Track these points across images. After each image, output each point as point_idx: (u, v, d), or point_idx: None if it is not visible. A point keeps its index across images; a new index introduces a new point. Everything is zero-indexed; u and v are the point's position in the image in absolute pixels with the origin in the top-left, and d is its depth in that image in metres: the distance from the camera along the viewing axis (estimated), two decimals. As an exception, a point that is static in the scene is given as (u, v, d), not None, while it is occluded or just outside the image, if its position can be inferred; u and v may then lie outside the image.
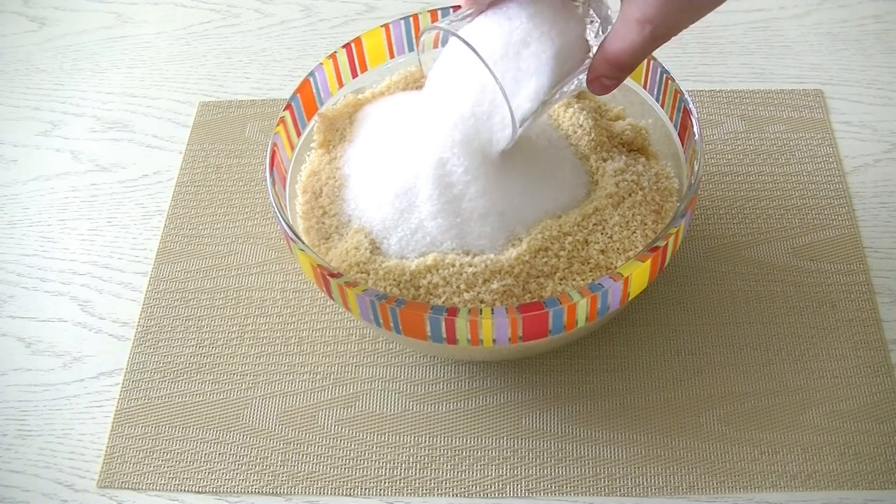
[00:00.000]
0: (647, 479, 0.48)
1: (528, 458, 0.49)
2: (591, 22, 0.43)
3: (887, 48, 0.68)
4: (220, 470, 0.50)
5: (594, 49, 0.43)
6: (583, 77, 0.43)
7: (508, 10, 0.43)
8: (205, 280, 0.58)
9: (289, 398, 0.52)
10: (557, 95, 0.44)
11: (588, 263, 0.47)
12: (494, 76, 0.41)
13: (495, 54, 0.42)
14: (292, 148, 0.52)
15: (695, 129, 0.48)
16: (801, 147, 0.62)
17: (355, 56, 0.54)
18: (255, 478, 0.49)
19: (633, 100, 0.55)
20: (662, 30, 0.37)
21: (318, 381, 0.53)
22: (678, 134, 0.51)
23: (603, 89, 0.41)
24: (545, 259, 0.47)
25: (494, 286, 0.45)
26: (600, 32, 0.43)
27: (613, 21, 0.41)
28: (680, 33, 0.39)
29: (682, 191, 0.51)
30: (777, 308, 0.54)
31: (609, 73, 0.40)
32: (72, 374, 0.55)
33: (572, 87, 0.44)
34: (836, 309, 0.54)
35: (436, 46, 0.47)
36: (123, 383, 0.54)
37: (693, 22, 0.38)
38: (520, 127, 0.43)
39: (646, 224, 0.49)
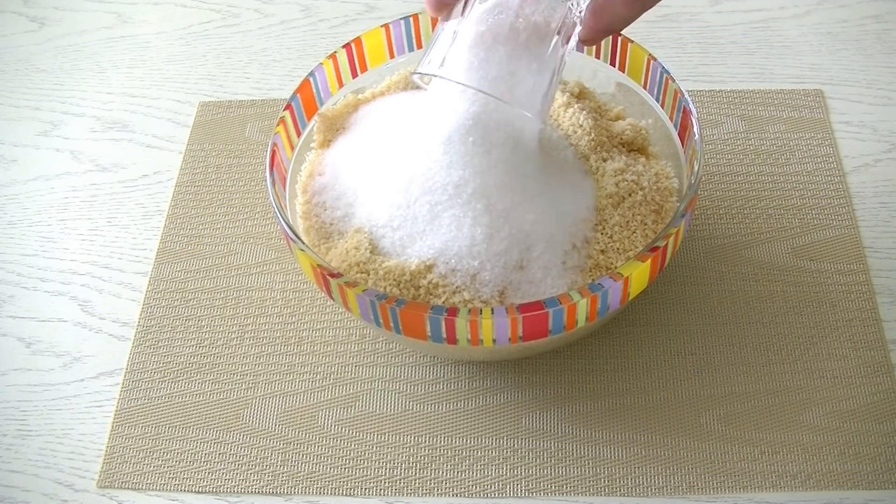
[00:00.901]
0: (647, 479, 0.48)
1: (528, 458, 0.49)
2: None
3: (887, 48, 0.68)
4: (220, 470, 0.50)
5: (575, 14, 0.45)
6: (574, 43, 0.45)
7: (489, 17, 0.43)
8: (205, 280, 0.58)
9: (289, 398, 0.52)
10: (562, 65, 0.45)
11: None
12: (506, 102, 0.43)
13: (497, 74, 0.43)
14: (292, 148, 0.52)
15: (695, 129, 0.48)
16: (801, 147, 0.62)
17: (355, 56, 0.54)
18: (255, 478, 0.49)
19: (633, 100, 0.55)
20: (648, 4, 0.42)
21: (318, 381, 0.53)
22: (678, 134, 0.51)
23: (594, 44, 0.47)
24: (545, 259, 0.47)
25: (494, 286, 0.45)
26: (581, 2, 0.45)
27: None
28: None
29: (682, 191, 0.51)
30: (777, 308, 0.54)
31: (601, 37, 0.45)
32: (72, 374, 0.55)
33: (569, 55, 0.46)
34: (836, 309, 0.54)
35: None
36: (123, 383, 0.54)
37: None
38: (543, 116, 0.44)
39: (646, 224, 0.49)
